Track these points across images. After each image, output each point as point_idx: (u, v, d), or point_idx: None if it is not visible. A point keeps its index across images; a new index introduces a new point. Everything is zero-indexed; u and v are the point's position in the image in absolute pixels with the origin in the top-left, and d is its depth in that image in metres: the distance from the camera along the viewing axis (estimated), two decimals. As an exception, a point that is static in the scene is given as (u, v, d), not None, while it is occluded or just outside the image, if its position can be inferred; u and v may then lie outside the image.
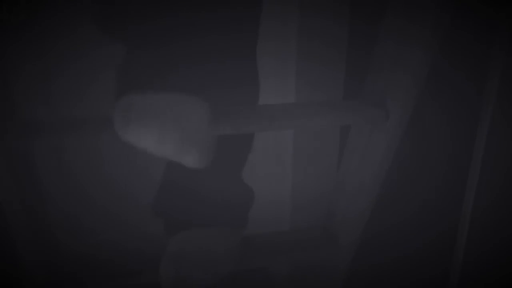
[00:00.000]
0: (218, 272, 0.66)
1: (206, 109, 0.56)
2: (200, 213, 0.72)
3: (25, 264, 0.65)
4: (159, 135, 0.52)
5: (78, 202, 1.13)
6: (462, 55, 0.83)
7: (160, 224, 0.76)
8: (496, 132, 0.81)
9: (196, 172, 0.57)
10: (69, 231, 1.03)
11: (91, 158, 1.09)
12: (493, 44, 0.78)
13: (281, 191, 1.13)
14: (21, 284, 0.66)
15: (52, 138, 0.59)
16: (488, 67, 0.80)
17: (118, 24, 0.55)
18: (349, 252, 0.79)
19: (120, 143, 0.55)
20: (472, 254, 0.89)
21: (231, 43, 0.60)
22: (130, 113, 0.54)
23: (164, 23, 0.54)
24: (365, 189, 0.72)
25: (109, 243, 0.82)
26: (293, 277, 0.99)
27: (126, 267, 0.72)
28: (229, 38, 0.59)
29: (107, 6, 0.56)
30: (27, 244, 0.64)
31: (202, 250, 0.66)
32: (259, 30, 0.63)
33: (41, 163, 1.02)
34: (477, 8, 0.79)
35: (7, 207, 0.61)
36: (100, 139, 0.61)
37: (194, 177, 0.69)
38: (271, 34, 1.02)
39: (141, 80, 0.56)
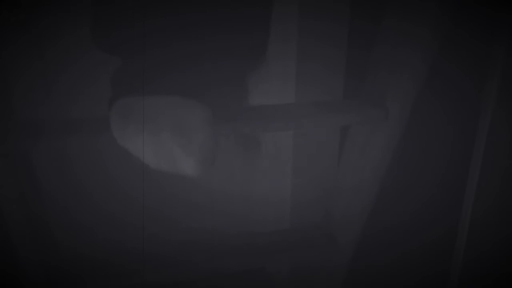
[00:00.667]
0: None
1: (206, 112, 0.55)
2: (201, 211, 0.71)
3: (25, 264, 0.65)
4: (158, 140, 0.50)
5: (78, 202, 1.13)
6: (462, 54, 0.83)
7: (158, 223, 0.76)
8: (496, 132, 0.81)
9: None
10: (68, 231, 1.03)
11: (91, 158, 1.08)
12: (493, 43, 0.78)
13: (281, 191, 1.13)
14: (21, 284, 0.66)
15: (52, 139, 0.59)
16: (488, 67, 0.80)
17: (114, 26, 0.55)
18: (348, 251, 0.79)
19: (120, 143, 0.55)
20: (472, 254, 0.89)
21: (232, 43, 0.59)
22: (127, 116, 0.52)
23: (161, 24, 0.54)
24: (364, 188, 0.72)
25: (109, 243, 0.82)
26: (293, 277, 0.99)
27: (126, 267, 0.72)
28: (229, 38, 0.59)
29: (103, 8, 0.55)
30: (27, 244, 0.64)
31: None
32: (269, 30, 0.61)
33: (41, 164, 1.02)
34: (477, 8, 0.79)
35: (7, 207, 0.61)
36: (100, 139, 0.61)
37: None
38: (271, 35, 1.02)
39: (136, 82, 0.56)
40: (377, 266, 1.03)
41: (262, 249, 0.76)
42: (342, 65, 0.99)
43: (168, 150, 0.49)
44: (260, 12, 0.62)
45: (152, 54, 0.55)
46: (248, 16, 0.60)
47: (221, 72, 0.60)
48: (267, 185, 1.16)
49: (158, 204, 1.17)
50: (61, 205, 1.12)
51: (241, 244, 0.77)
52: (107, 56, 0.58)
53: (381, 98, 0.67)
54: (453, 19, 0.66)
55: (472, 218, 0.87)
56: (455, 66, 0.83)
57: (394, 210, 0.98)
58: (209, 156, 0.51)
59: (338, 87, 1.01)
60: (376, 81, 0.68)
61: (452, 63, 0.83)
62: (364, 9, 0.94)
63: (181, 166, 0.50)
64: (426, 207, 0.96)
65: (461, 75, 0.84)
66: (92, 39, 0.58)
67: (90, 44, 0.58)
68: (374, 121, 0.66)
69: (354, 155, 0.73)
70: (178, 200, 1.18)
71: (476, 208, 0.87)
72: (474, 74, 0.83)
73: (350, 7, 0.95)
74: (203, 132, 0.51)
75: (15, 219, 0.62)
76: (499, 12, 0.76)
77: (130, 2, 0.53)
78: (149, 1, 0.53)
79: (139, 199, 1.15)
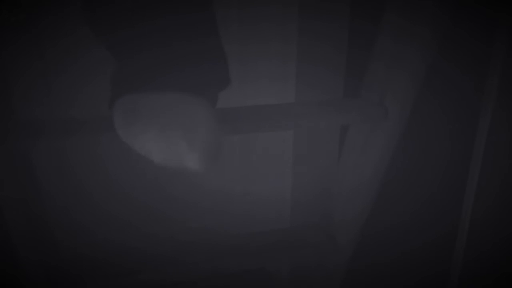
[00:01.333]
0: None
1: (209, 107, 0.55)
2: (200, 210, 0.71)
3: (25, 264, 0.65)
4: (163, 136, 0.50)
5: (78, 202, 1.13)
6: (461, 54, 0.83)
7: (158, 223, 0.76)
8: (496, 132, 0.81)
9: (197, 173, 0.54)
10: (68, 231, 1.03)
11: (91, 158, 1.09)
12: (493, 43, 0.78)
13: (281, 191, 1.13)
14: (21, 284, 0.66)
15: (52, 139, 0.59)
16: (488, 66, 0.80)
17: (114, 25, 0.55)
18: (348, 251, 0.79)
19: (120, 143, 0.55)
20: (472, 254, 0.89)
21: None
22: (132, 113, 0.52)
23: (160, 24, 0.54)
24: (363, 188, 0.72)
25: (109, 243, 0.82)
26: (292, 276, 0.99)
27: (126, 267, 0.72)
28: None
29: (101, 7, 0.55)
30: (27, 244, 0.64)
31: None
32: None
33: (41, 163, 1.02)
34: (477, 8, 0.79)
35: (7, 207, 0.61)
36: (100, 139, 0.61)
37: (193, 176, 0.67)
38: (271, 35, 1.02)
39: (137, 81, 0.56)
40: (377, 266, 1.03)
41: (262, 249, 0.76)
42: (342, 65, 0.99)
43: (174, 146, 0.50)
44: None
45: (152, 53, 0.55)
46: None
47: (219, 71, 0.60)
48: (267, 185, 1.16)
49: (158, 204, 1.17)
50: (61, 205, 1.12)
51: (241, 244, 0.77)
52: (107, 56, 0.58)
53: (380, 96, 0.67)
54: (453, 18, 0.66)
55: (472, 218, 0.87)
56: (454, 65, 0.83)
57: (394, 210, 0.98)
58: (214, 151, 0.51)
59: (338, 87, 1.01)
60: (376, 80, 0.68)
61: (452, 62, 0.83)
62: (364, 9, 0.94)
63: (187, 162, 0.50)
64: (426, 207, 0.96)
65: (461, 75, 0.84)
66: (92, 38, 0.58)
67: (90, 42, 0.58)
68: (374, 120, 0.66)
69: (354, 155, 0.73)
70: (178, 200, 1.18)
71: (476, 208, 0.86)
72: (474, 74, 0.83)
73: (350, 7, 0.95)
74: (207, 127, 0.51)
75: (15, 219, 0.62)
76: (499, 12, 0.76)
77: (130, 3, 0.53)
78: (149, 1, 0.53)
79: (139, 199, 1.15)
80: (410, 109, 0.67)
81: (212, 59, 0.58)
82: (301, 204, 1.10)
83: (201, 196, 1.21)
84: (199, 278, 0.76)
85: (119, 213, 1.13)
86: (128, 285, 0.71)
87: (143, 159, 0.53)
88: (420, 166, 0.94)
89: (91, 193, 1.12)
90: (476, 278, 0.90)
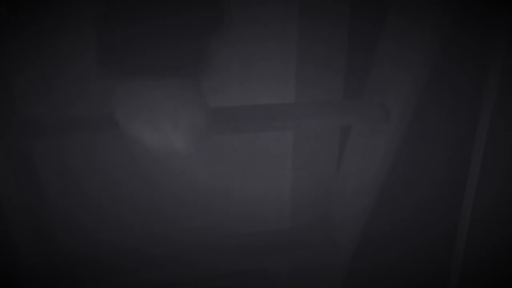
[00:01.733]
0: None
1: (206, 109, 0.55)
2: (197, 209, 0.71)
3: (25, 264, 0.65)
4: (150, 120, 0.51)
5: (78, 202, 1.13)
6: (462, 54, 0.83)
7: (158, 223, 0.76)
8: (496, 132, 0.81)
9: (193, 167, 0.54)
10: (69, 231, 1.03)
11: (91, 158, 1.08)
12: (493, 43, 0.78)
13: (281, 191, 1.13)
14: (21, 284, 0.66)
15: (52, 138, 0.59)
16: (488, 67, 0.80)
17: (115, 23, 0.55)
18: (348, 252, 0.79)
19: (120, 143, 0.55)
20: (472, 254, 0.89)
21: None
22: (128, 104, 0.53)
23: (160, 23, 0.54)
24: (365, 189, 0.72)
25: (109, 243, 0.83)
26: (293, 277, 0.99)
27: (126, 267, 0.72)
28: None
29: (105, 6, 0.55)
30: (27, 244, 0.64)
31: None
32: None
33: (41, 163, 1.02)
34: (477, 8, 0.79)
35: (7, 207, 0.61)
36: (100, 139, 0.61)
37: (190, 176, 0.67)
38: (271, 35, 1.02)
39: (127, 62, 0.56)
40: (377, 266, 1.03)
41: (262, 249, 0.76)
42: (342, 65, 0.99)
43: (160, 128, 0.51)
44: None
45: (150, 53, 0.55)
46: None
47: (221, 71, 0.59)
48: (267, 185, 1.16)
49: (158, 204, 1.17)
50: (62, 205, 1.12)
51: (241, 244, 0.77)
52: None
53: (382, 98, 0.67)
54: (454, 18, 0.66)
55: (472, 218, 0.87)
56: (455, 66, 0.83)
57: (394, 210, 0.98)
58: (199, 130, 0.52)
59: (338, 87, 1.01)
60: (377, 81, 0.68)
61: (452, 63, 0.83)
62: (364, 9, 0.94)
63: (173, 143, 0.51)
64: (426, 207, 0.96)
65: (461, 75, 0.84)
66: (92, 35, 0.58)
67: (92, 42, 0.58)
68: (375, 123, 0.66)
69: (355, 156, 0.73)
70: (178, 200, 1.18)
71: (476, 208, 0.86)
72: (474, 74, 0.83)
73: (350, 7, 0.95)
74: (193, 106, 0.52)
75: (15, 219, 0.62)
76: (499, 12, 0.76)
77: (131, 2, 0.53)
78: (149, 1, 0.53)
79: (139, 199, 1.15)
80: (412, 111, 0.67)
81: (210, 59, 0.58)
82: (301, 204, 1.09)
83: (201, 196, 1.21)
84: (199, 278, 0.76)
85: (119, 213, 1.13)
86: (128, 285, 0.71)
87: (143, 158, 0.54)
88: (420, 166, 0.94)
89: (91, 194, 1.12)
90: (476, 278, 0.90)
